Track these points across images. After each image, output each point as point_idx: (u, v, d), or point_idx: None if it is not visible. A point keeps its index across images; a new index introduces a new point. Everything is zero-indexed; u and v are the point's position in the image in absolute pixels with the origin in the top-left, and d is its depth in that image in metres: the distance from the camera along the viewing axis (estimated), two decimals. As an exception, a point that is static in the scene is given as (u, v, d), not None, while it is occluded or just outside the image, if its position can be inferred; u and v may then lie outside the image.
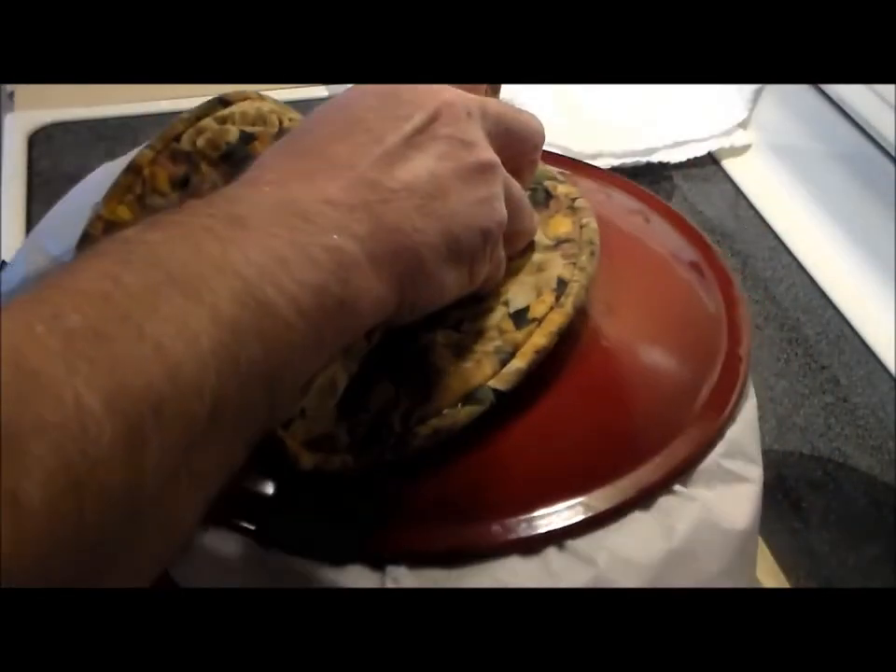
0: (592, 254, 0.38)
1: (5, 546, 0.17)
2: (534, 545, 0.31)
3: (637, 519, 0.32)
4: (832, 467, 0.58)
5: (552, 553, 0.31)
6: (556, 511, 0.32)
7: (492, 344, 0.35)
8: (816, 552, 0.54)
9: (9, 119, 0.80)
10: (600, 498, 0.32)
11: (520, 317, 0.36)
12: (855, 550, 0.54)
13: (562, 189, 0.42)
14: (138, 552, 0.21)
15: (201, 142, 0.38)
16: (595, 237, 0.39)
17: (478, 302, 0.36)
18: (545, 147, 0.38)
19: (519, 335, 0.35)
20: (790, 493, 0.57)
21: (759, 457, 0.37)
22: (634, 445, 0.35)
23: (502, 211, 0.33)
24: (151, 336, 0.21)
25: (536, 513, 0.32)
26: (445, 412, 0.33)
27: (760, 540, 0.49)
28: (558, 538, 0.31)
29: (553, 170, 0.43)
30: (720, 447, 0.36)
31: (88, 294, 0.21)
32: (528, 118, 0.37)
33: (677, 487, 0.34)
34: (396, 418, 0.33)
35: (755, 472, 0.36)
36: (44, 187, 0.73)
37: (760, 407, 0.40)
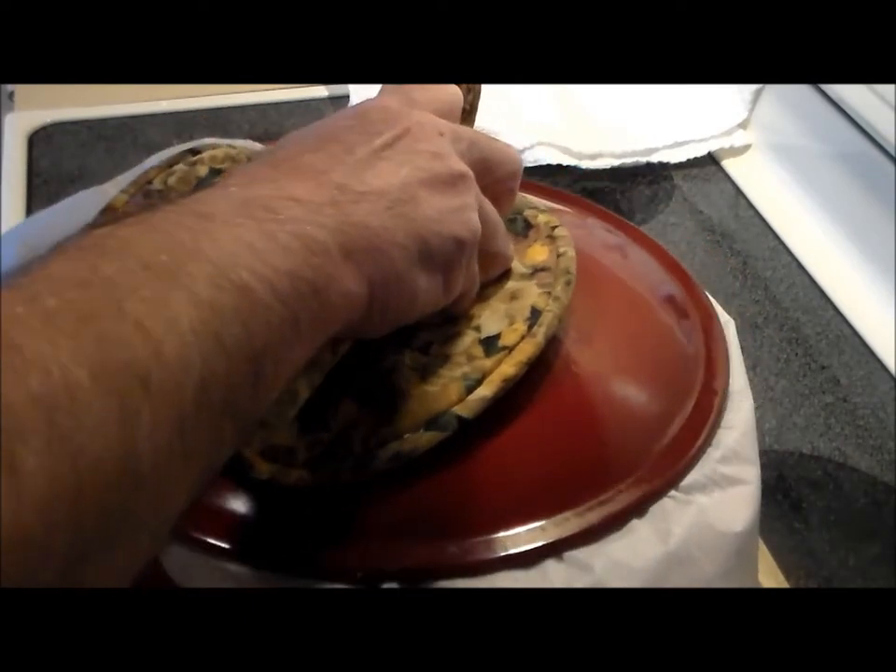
0: (567, 283, 0.37)
1: (4, 513, 0.17)
2: (485, 567, 0.31)
3: (633, 525, 0.32)
4: (832, 467, 0.58)
5: (549, 563, 0.31)
6: (516, 534, 0.31)
7: (459, 370, 0.34)
8: (816, 552, 0.54)
9: (9, 119, 0.80)
10: (560, 523, 0.32)
11: (490, 344, 0.35)
12: (855, 550, 0.54)
13: (542, 218, 0.41)
14: (135, 531, 0.21)
15: (172, 180, 0.40)
16: (571, 266, 0.38)
17: (448, 326, 0.36)
18: (543, 154, 0.38)
19: (488, 362, 0.34)
20: (790, 493, 0.57)
21: (756, 459, 0.37)
22: (600, 472, 0.35)
23: (476, 222, 0.33)
24: (131, 314, 0.21)
25: (495, 535, 0.31)
26: (406, 436, 0.33)
27: (760, 541, 0.49)
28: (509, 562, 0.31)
29: (536, 200, 0.43)
30: (716, 453, 0.35)
31: (65, 280, 0.21)
32: (503, 146, 0.37)
33: (672, 492, 0.33)
34: (356, 438, 0.33)
35: (752, 474, 0.36)
36: (44, 187, 0.73)
37: (760, 407, 0.40)
